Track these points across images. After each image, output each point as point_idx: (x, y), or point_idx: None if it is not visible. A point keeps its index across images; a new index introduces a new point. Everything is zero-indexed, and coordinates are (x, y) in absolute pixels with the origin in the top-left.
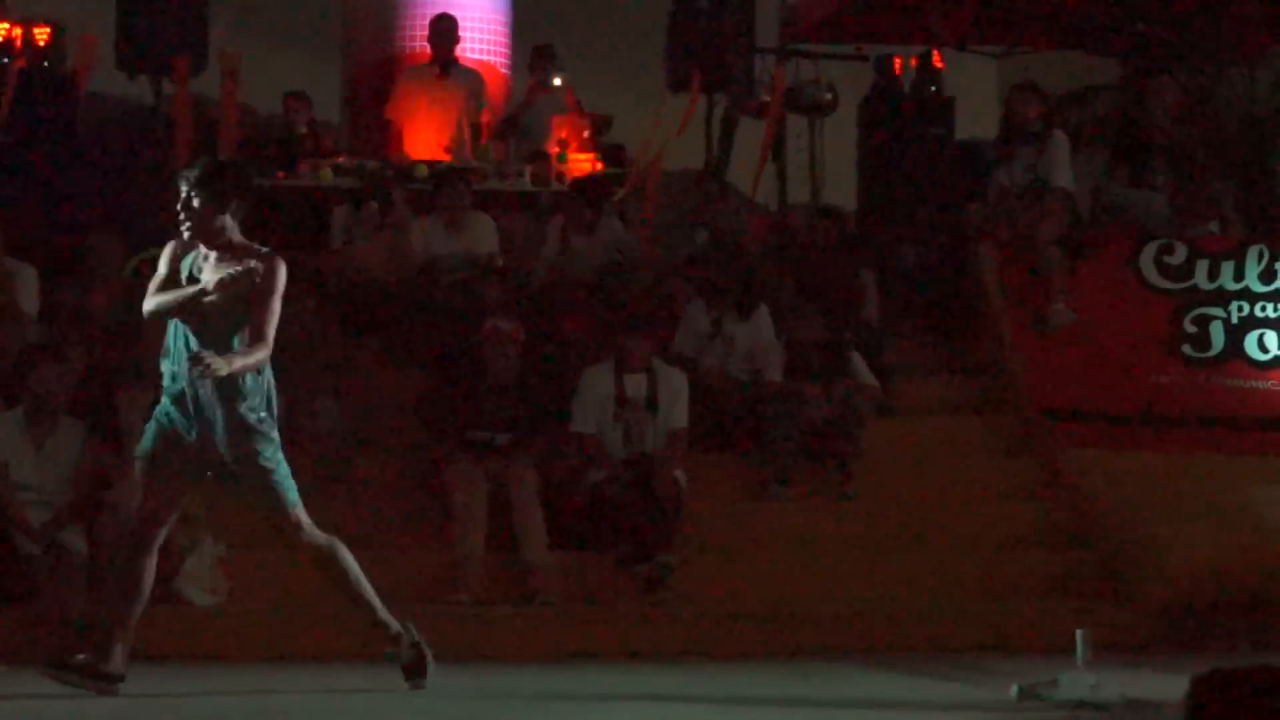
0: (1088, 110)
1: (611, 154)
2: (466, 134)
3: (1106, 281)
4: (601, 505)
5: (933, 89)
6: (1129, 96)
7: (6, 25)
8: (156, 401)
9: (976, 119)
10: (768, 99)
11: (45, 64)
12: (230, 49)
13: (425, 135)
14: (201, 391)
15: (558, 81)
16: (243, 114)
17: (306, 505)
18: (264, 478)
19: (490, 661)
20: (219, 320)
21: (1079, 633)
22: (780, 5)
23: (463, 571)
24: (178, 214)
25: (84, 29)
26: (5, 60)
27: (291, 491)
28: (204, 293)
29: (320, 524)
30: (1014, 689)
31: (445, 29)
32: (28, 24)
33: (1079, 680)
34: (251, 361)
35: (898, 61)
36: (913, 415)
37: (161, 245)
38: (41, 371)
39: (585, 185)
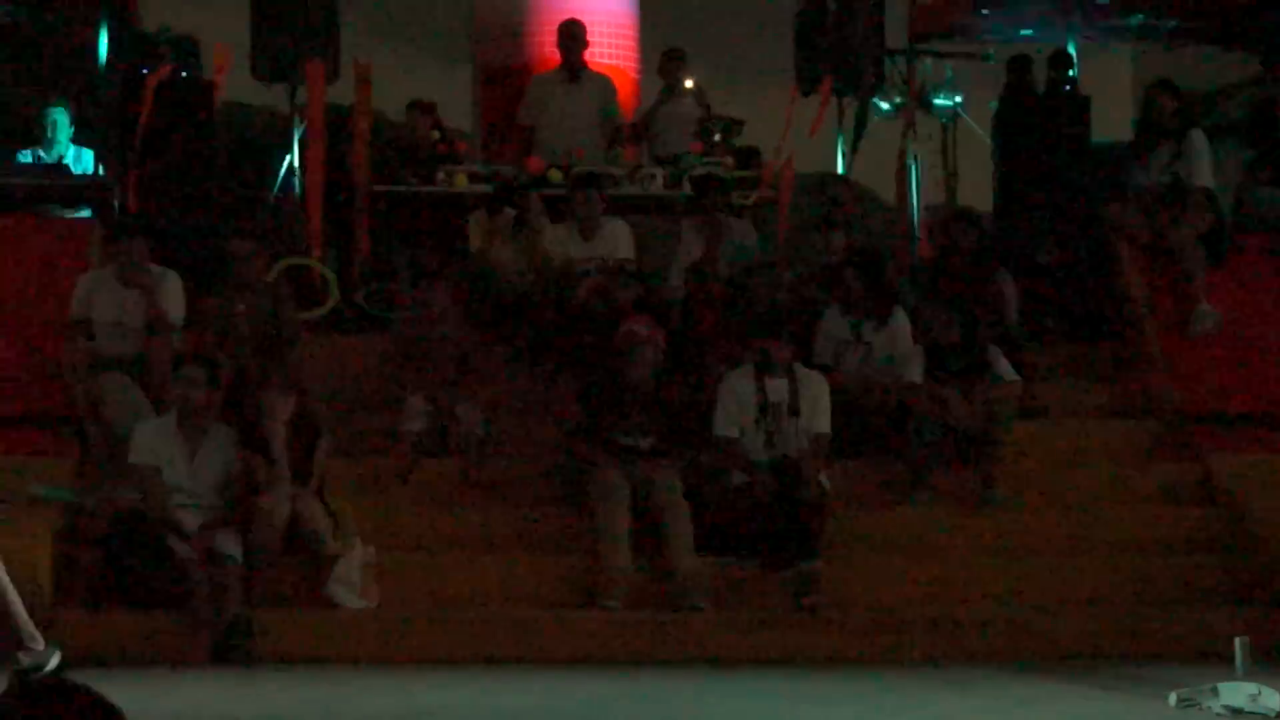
0: (1226, 108)
1: (744, 157)
2: (598, 139)
3: (1251, 282)
4: (744, 509)
5: (1067, 88)
6: (1268, 93)
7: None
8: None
9: (1112, 118)
10: (900, 100)
11: (183, 74)
12: (363, 57)
13: (557, 141)
14: None
15: (688, 84)
16: (375, 121)
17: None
18: None
19: (637, 666)
20: None
21: (1238, 640)
22: (910, 5)
23: (608, 577)
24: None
25: (219, 39)
26: (144, 70)
27: None
28: None
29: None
30: (1171, 698)
31: (573, 34)
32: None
33: (1239, 689)
34: None
35: (1031, 61)
36: (1054, 418)
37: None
38: (188, 378)
39: (709, 187)
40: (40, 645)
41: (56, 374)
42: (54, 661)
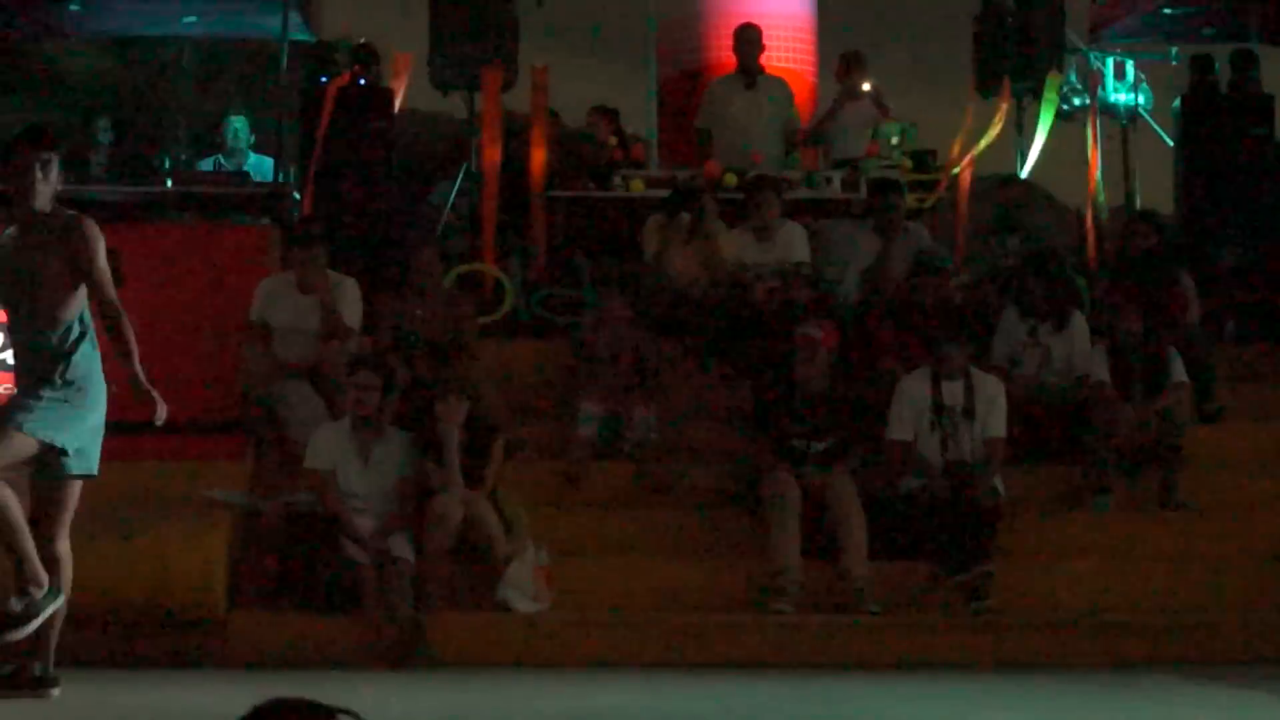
0: None
1: (921, 160)
2: (775, 142)
3: None
4: (919, 514)
5: (1251, 87)
6: None
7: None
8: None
9: None
10: (1080, 102)
11: (362, 81)
12: (540, 63)
13: (734, 144)
14: None
15: (866, 87)
16: (553, 127)
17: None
18: None
19: (810, 670)
20: None
21: None
22: (1090, 6)
23: (781, 580)
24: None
25: (398, 47)
26: (324, 79)
27: None
28: None
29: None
30: None
31: (750, 38)
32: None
33: None
34: None
35: (1213, 60)
36: (1236, 421)
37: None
38: (363, 384)
39: (885, 190)
40: (42, 590)
41: (234, 379)
42: (49, 608)
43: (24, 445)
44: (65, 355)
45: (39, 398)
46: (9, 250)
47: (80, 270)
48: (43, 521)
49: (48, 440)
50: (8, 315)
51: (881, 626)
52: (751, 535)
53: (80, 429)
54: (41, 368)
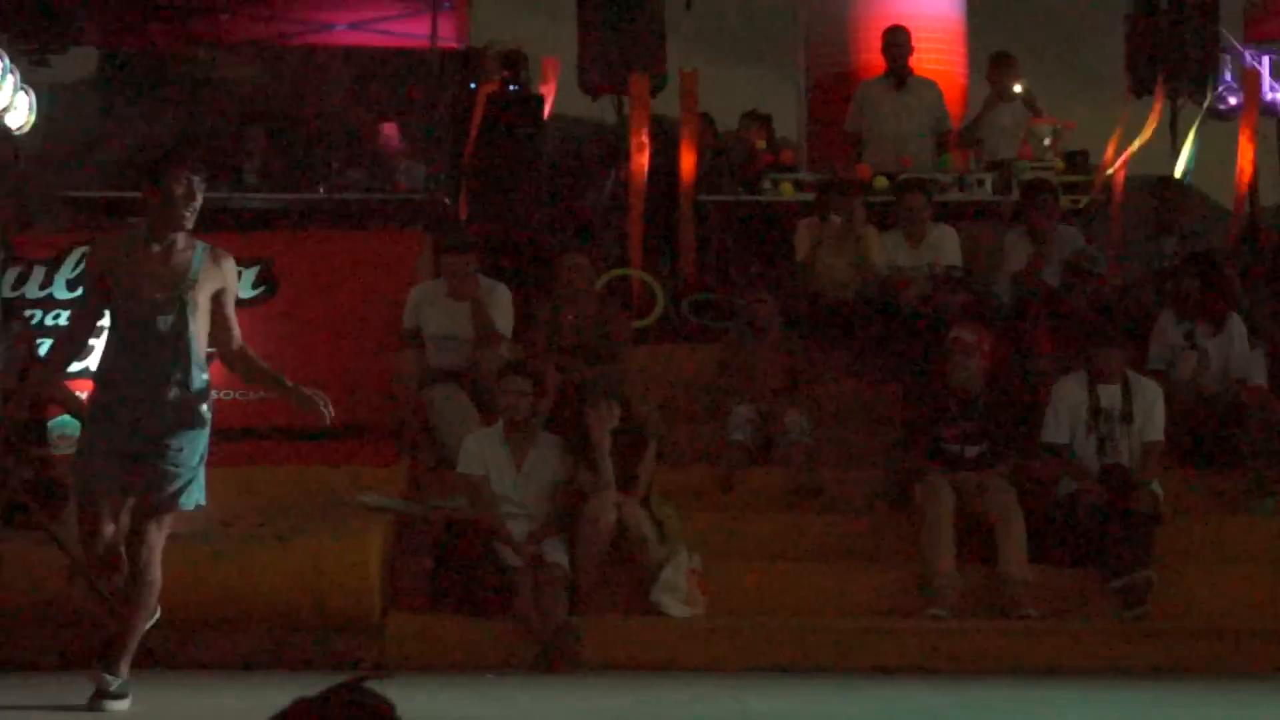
0: None
1: (1074, 161)
2: (925, 145)
3: None
4: (1076, 518)
5: None
6: None
7: None
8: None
9: None
10: (1235, 101)
11: (512, 87)
12: (688, 67)
13: (884, 147)
14: None
15: (1017, 89)
16: (702, 131)
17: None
18: None
19: (966, 675)
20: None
21: None
22: (1246, 3)
23: (936, 585)
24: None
25: (547, 52)
26: (474, 85)
27: None
28: None
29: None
30: None
31: (900, 41)
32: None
33: None
34: None
35: None
36: None
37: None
38: (516, 389)
39: (1037, 192)
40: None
41: (387, 385)
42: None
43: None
44: (191, 384)
45: (159, 440)
46: (146, 269)
47: (220, 302)
48: (135, 544)
49: (182, 503)
50: (125, 331)
51: (1039, 631)
52: (905, 539)
53: (197, 466)
54: (160, 392)
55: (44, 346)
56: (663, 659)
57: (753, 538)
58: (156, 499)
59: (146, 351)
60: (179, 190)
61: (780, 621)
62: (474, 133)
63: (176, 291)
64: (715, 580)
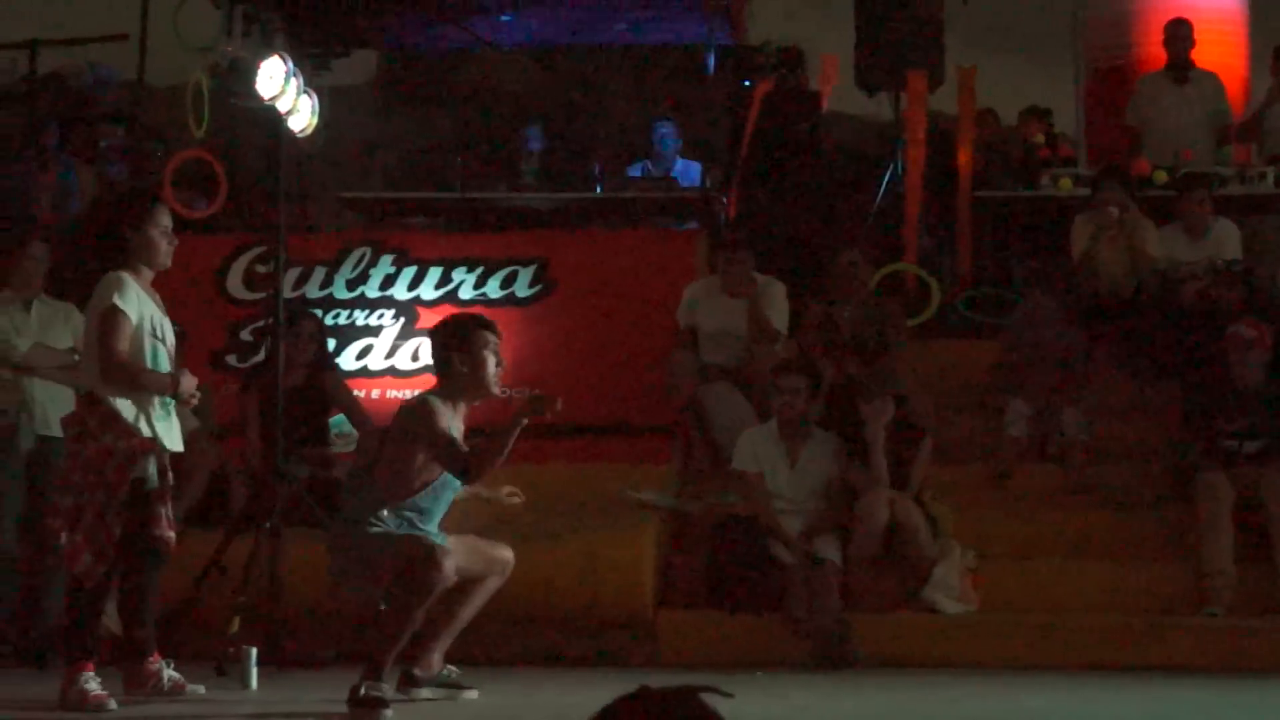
0: None
1: None
2: (1207, 139)
3: None
4: None
5: None
6: None
7: None
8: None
9: None
10: None
11: (788, 85)
12: (965, 62)
13: (1164, 141)
14: None
15: None
16: (980, 126)
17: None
18: None
19: (1245, 675)
20: None
21: None
22: None
23: (1214, 582)
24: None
25: (823, 49)
26: (749, 83)
27: None
28: None
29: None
30: None
31: (1181, 34)
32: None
33: None
34: None
35: None
36: None
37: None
38: (790, 387)
39: None
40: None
41: (662, 382)
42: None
43: None
44: None
45: None
46: None
47: None
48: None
49: None
50: None
51: None
52: (1183, 537)
53: None
54: None
55: (330, 345)
56: (935, 656)
57: (1028, 534)
58: None
59: None
60: None
61: (1055, 619)
62: (750, 131)
63: None
64: (989, 577)
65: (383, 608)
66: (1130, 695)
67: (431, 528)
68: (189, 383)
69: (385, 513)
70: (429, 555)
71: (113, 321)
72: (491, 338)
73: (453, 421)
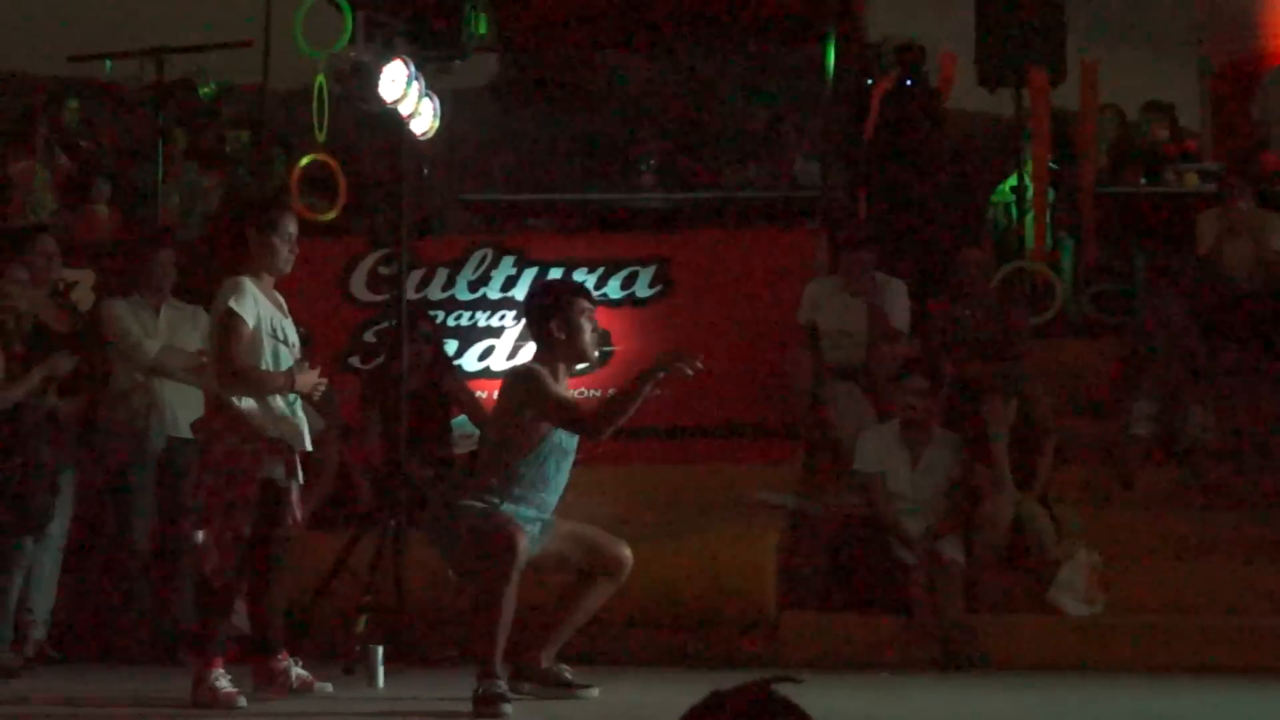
0: None
1: None
2: None
3: None
4: None
5: None
6: None
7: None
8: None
9: None
10: None
11: (908, 82)
12: (1089, 58)
13: None
14: None
15: None
16: (1102, 122)
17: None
18: None
19: None
20: None
21: None
22: None
23: None
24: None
25: (944, 46)
26: (870, 80)
27: None
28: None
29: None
30: None
31: None
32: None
33: None
34: None
35: None
36: None
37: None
38: (912, 386)
39: None
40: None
41: (783, 382)
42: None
43: None
44: None
45: None
46: None
47: None
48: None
49: None
50: None
51: None
52: None
53: None
54: None
55: (449, 348)
56: (1061, 658)
57: (1154, 535)
58: None
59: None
60: None
61: (1182, 621)
62: (871, 129)
63: None
64: (1115, 578)
65: (458, 584)
66: (1257, 698)
67: (550, 498)
68: (307, 378)
69: (494, 483)
70: (499, 529)
71: (229, 326)
72: (587, 305)
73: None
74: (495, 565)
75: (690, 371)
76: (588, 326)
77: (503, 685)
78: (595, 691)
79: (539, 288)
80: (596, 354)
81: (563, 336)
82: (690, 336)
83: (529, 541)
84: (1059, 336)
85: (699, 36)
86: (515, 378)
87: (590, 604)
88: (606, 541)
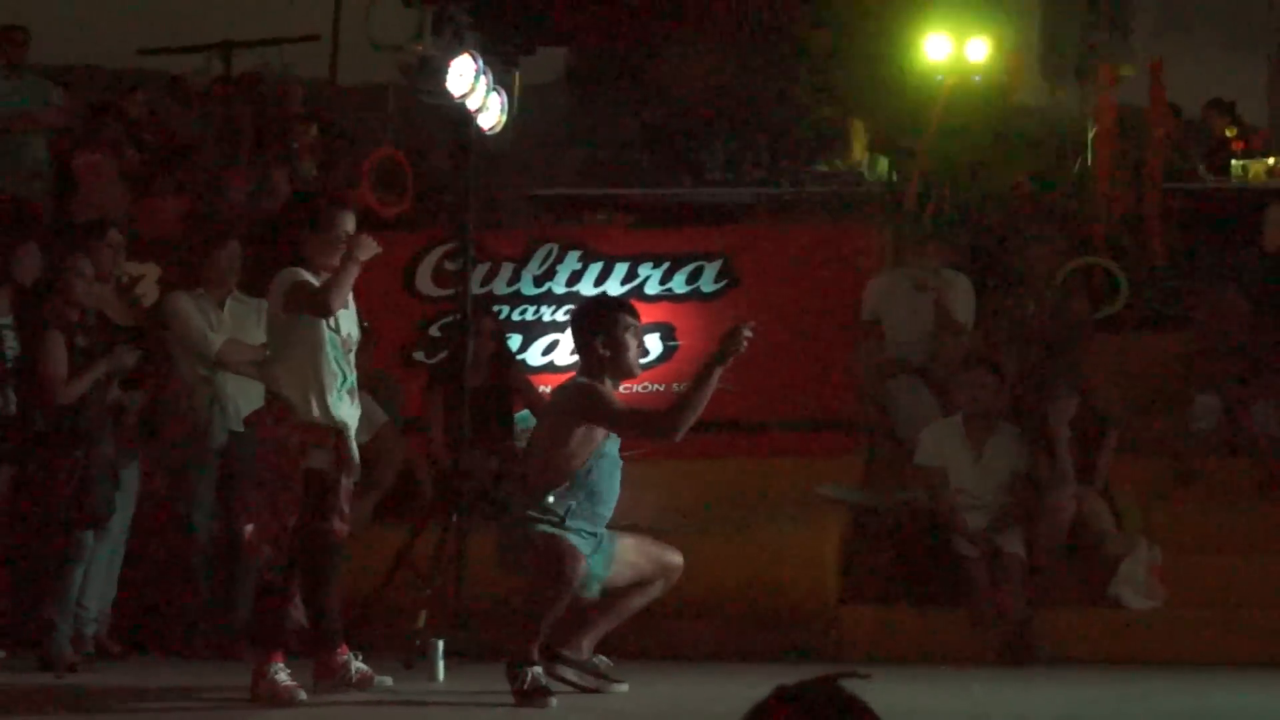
0: None
1: None
2: None
3: None
4: None
5: None
6: None
7: None
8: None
9: None
10: None
11: (976, 78)
12: (1154, 53)
13: None
14: None
15: None
16: (1174, 123)
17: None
18: None
19: None
20: None
21: None
22: None
23: None
24: None
25: (1009, 41)
26: (939, 77)
27: None
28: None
29: (1254, 529)
30: None
31: None
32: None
33: None
34: None
35: None
36: None
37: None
38: (976, 381)
39: None
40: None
41: (848, 377)
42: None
43: None
44: None
45: None
46: None
47: None
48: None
49: None
50: None
51: None
52: None
53: None
54: None
55: (512, 342)
56: (1121, 652)
57: (1216, 529)
58: None
59: None
60: None
61: (1243, 615)
62: (935, 123)
63: None
64: (1176, 572)
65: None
66: None
67: (604, 511)
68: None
69: (551, 499)
70: (561, 556)
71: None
72: (631, 320)
73: None
74: (551, 588)
75: (746, 340)
76: (632, 343)
77: (544, 677)
78: (625, 687)
79: (583, 305)
80: (639, 371)
81: (608, 354)
82: (761, 329)
83: (587, 563)
84: (1123, 330)
85: (764, 31)
86: (572, 392)
87: (638, 602)
88: (660, 548)
